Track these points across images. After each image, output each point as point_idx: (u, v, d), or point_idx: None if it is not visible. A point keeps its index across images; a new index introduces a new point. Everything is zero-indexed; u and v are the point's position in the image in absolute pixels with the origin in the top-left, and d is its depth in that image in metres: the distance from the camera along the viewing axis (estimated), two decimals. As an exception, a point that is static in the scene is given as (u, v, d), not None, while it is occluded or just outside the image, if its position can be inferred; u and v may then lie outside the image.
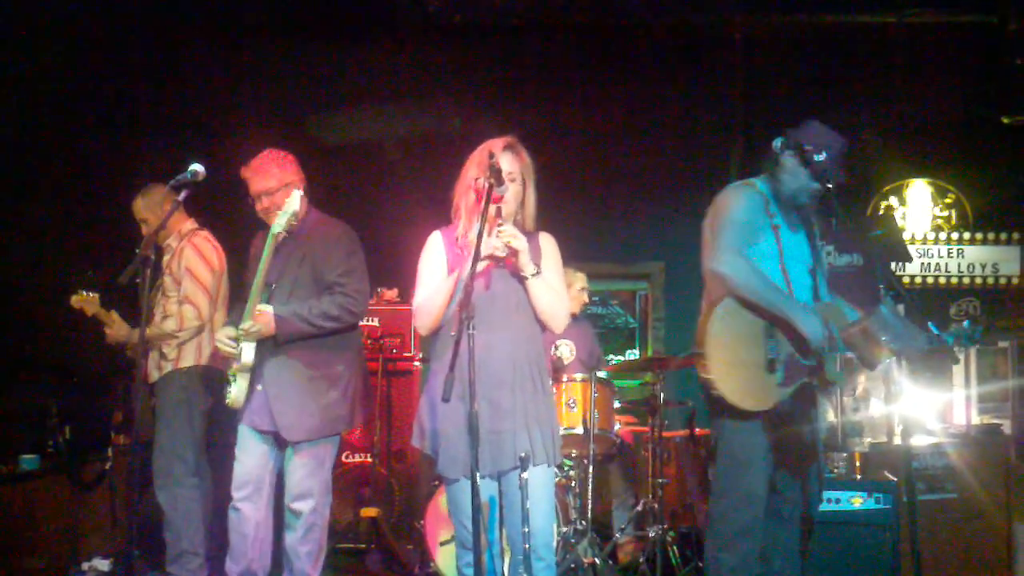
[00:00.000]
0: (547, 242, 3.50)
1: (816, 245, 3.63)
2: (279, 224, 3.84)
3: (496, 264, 3.33)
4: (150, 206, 4.69)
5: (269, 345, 3.96)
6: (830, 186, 3.39)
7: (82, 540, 5.12)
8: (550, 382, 3.49)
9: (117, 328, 4.68)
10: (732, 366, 3.46)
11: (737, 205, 3.55)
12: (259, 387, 3.98)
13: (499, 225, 3.28)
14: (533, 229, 3.48)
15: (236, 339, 3.96)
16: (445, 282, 3.34)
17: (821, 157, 3.42)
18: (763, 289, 3.42)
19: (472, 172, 3.38)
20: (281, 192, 4.01)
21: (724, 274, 3.43)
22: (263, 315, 3.85)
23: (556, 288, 3.43)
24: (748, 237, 3.48)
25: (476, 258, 3.10)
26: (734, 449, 3.56)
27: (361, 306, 4.05)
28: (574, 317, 5.69)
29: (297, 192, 3.88)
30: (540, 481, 3.29)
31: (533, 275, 3.32)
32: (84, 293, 4.70)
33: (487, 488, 3.29)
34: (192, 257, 4.64)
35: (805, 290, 3.58)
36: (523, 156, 3.41)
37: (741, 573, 3.50)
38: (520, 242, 3.28)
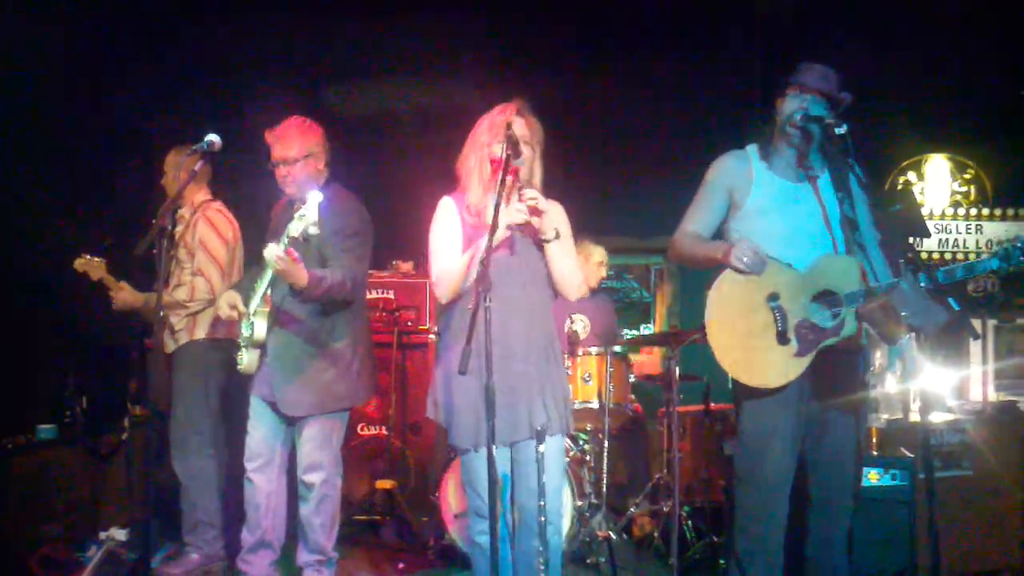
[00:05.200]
0: (556, 211, 3.45)
1: (852, 198, 3.37)
2: (295, 229, 3.57)
3: (516, 230, 3.28)
4: (177, 163, 4.60)
5: (274, 320, 3.97)
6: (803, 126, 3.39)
7: (99, 510, 5.14)
8: (562, 352, 3.47)
9: (125, 294, 4.68)
10: (739, 343, 3.39)
11: (704, 179, 3.65)
12: (267, 359, 4.01)
13: (519, 189, 3.26)
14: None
15: (249, 314, 3.94)
16: (461, 258, 3.32)
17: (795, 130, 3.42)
18: (688, 244, 3.55)
19: (485, 140, 3.34)
20: (301, 164, 3.97)
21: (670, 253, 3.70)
22: (300, 266, 3.67)
23: (573, 255, 3.43)
24: (702, 210, 3.60)
25: (493, 230, 3.06)
26: (749, 429, 3.48)
27: (348, 287, 3.89)
28: (592, 292, 5.67)
29: (316, 195, 3.57)
30: (552, 449, 3.31)
31: (554, 238, 3.31)
32: (88, 257, 4.70)
33: (501, 456, 3.28)
34: (206, 231, 4.62)
35: (820, 244, 3.39)
36: (532, 121, 3.37)
37: (757, 557, 3.43)
38: (544, 203, 3.25)
